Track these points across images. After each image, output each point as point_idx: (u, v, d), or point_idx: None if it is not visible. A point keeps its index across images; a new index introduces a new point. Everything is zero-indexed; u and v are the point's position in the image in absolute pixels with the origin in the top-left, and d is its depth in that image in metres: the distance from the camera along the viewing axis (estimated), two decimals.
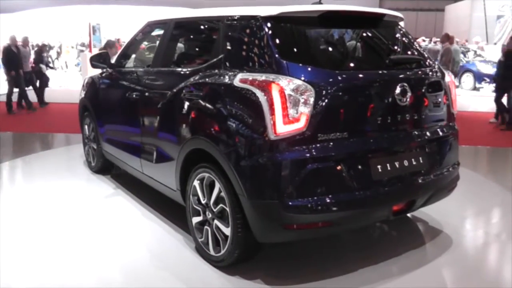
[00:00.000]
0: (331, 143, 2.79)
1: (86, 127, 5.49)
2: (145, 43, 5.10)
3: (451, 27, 28.86)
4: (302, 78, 2.74)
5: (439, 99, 3.38)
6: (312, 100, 2.71)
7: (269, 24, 2.98)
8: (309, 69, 2.83)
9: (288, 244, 3.48)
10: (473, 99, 13.28)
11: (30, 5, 30.30)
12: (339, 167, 2.80)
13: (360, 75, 3.01)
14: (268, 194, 2.77)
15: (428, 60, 3.46)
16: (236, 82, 2.94)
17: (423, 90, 3.24)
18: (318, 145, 2.74)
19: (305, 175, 2.72)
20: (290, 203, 2.72)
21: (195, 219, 3.36)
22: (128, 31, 21.36)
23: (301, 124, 2.69)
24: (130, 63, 4.71)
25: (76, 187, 5.01)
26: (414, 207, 3.22)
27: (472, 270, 3.28)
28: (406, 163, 3.09)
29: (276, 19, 3.00)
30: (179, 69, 3.76)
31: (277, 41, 2.93)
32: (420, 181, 3.15)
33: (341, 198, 2.80)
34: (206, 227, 3.27)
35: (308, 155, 2.71)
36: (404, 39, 3.52)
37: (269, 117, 2.68)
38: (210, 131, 3.09)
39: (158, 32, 4.36)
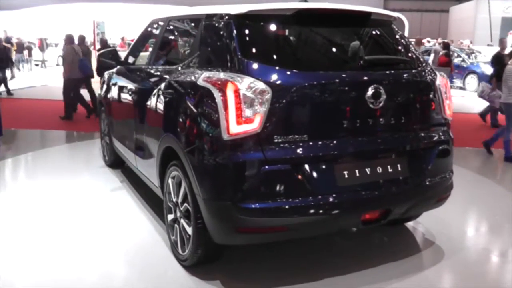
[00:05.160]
0: (289, 146, 2.67)
1: (102, 122, 5.69)
2: (150, 41, 5.15)
3: (455, 28, 28.83)
4: (260, 78, 2.66)
5: (425, 103, 3.18)
6: (268, 100, 2.62)
7: (237, 23, 2.92)
8: (270, 69, 2.73)
9: (261, 246, 3.41)
10: (478, 100, 13.21)
11: (33, 3, 30.36)
12: (296, 171, 2.68)
13: (325, 76, 2.82)
14: (221, 195, 2.71)
15: (416, 61, 3.25)
16: (200, 81, 2.90)
17: (403, 93, 3.06)
18: (273, 147, 2.64)
19: (258, 177, 2.63)
20: (243, 206, 2.64)
21: (169, 217, 3.38)
22: (132, 29, 21.42)
23: (255, 125, 2.61)
24: (134, 61, 4.78)
25: (86, 179, 5.19)
26: (390, 216, 3.01)
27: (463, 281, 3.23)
28: (379, 169, 2.91)
29: (245, 17, 2.93)
30: (165, 67, 3.82)
31: (243, 39, 2.87)
32: (396, 189, 2.96)
33: (298, 203, 2.68)
34: (176, 225, 3.27)
35: (262, 157, 2.62)
36: (392, 39, 3.35)
37: (224, 116, 2.62)
38: (176, 129, 3.11)
39: (158, 30, 4.41)
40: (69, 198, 4.57)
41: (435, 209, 3.40)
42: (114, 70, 5.13)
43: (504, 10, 25.94)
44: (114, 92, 4.96)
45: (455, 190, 3.44)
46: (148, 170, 3.88)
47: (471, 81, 15.86)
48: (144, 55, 4.85)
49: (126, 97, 4.48)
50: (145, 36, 4.79)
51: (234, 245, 3.25)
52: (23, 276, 3.11)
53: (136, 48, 4.85)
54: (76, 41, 9.69)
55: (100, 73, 9.09)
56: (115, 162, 5.44)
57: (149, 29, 4.64)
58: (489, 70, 15.39)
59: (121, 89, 4.70)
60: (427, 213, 3.64)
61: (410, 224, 3.95)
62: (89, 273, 3.15)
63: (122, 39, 21.91)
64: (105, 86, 5.39)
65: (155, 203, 4.26)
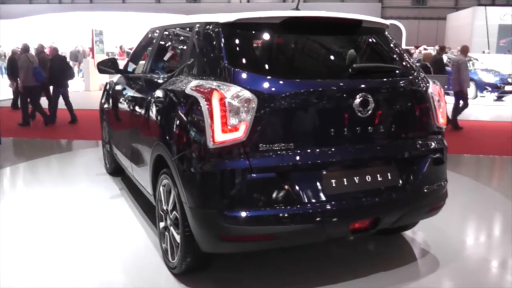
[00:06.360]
0: (274, 154, 2.66)
1: (103, 130, 5.73)
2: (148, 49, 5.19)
3: (452, 35, 28.95)
4: (247, 87, 2.66)
5: (416, 112, 3.13)
6: (253, 109, 2.61)
7: (225, 31, 2.93)
8: (257, 77, 2.73)
9: (254, 253, 3.40)
10: (475, 108, 13.26)
11: (33, 11, 30.45)
12: (282, 179, 2.67)
13: (312, 84, 2.80)
14: (207, 203, 2.71)
15: (409, 69, 3.21)
16: (188, 89, 2.91)
17: (393, 101, 3.02)
18: (259, 155, 2.64)
19: (244, 186, 2.62)
20: (228, 214, 2.63)
21: (161, 225, 3.38)
22: (131, 38, 21.47)
23: (240, 133, 2.60)
24: (133, 69, 4.81)
25: (86, 187, 5.21)
26: (380, 226, 2.97)
27: None
28: (369, 178, 2.88)
29: (233, 26, 2.94)
30: (158, 75, 3.85)
31: (231, 48, 2.88)
32: (385, 198, 2.92)
33: (284, 211, 2.65)
34: (166, 233, 3.28)
35: (247, 165, 2.61)
36: (385, 47, 3.31)
37: (209, 125, 2.62)
38: (165, 137, 3.12)
39: (154, 38, 4.45)
40: (68, 206, 4.57)
41: (432, 217, 3.37)
42: (114, 78, 5.17)
43: (501, 17, 26.08)
44: (112, 101, 5.00)
45: (453, 197, 3.43)
46: (142, 177, 3.90)
47: (469, 88, 15.86)
48: (143, 63, 4.89)
49: (122, 105, 4.52)
50: (143, 45, 4.82)
51: (225, 253, 3.25)
52: (21, 283, 3.10)
53: (135, 57, 4.88)
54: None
55: (52, 82, 9.44)
56: (116, 170, 5.45)
57: (147, 37, 4.68)
58: (486, 77, 15.49)
59: (118, 97, 4.74)
60: (425, 221, 3.62)
61: (406, 233, 3.92)
62: (86, 281, 3.14)
63: (121, 47, 21.97)
64: (105, 94, 5.43)
65: (151, 211, 4.26)
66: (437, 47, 12.82)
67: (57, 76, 9.45)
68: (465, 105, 9.44)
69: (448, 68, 10.97)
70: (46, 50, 13.03)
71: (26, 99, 9.39)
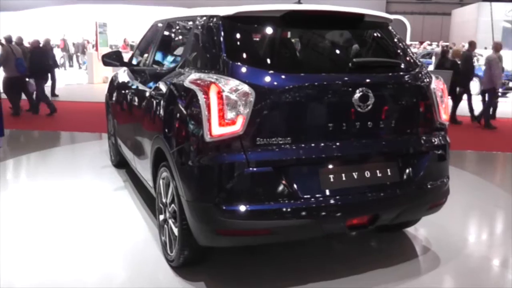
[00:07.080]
0: (272, 148, 2.65)
1: (108, 122, 5.77)
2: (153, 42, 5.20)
3: (457, 31, 28.82)
4: (245, 80, 2.65)
5: (418, 107, 3.09)
6: (251, 102, 2.60)
7: (225, 24, 2.92)
8: (255, 71, 2.72)
9: (254, 248, 3.42)
10: (479, 104, 13.19)
11: (36, 4, 30.43)
12: (279, 174, 2.66)
13: (311, 78, 2.77)
14: (203, 196, 2.71)
15: (411, 64, 3.17)
16: (187, 82, 2.91)
17: (393, 96, 2.99)
18: (256, 149, 2.63)
19: (241, 180, 2.62)
20: (225, 208, 2.63)
21: (160, 217, 3.40)
22: (134, 30, 21.48)
23: (237, 127, 2.59)
24: (138, 62, 4.80)
25: (91, 179, 5.26)
26: (378, 222, 2.95)
27: None
28: (367, 174, 2.86)
29: (233, 19, 2.93)
30: (159, 68, 3.88)
31: (230, 41, 2.87)
32: (384, 194, 2.89)
33: (280, 206, 2.65)
34: (165, 225, 3.28)
35: (244, 159, 2.60)
36: (387, 42, 3.29)
37: (206, 118, 2.61)
38: (164, 130, 3.13)
39: (158, 31, 4.46)
40: (71, 197, 4.59)
41: (434, 214, 3.35)
42: (120, 71, 5.20)
43: (506, 13, 25.95)
44: (116, 93, 5.03)
45: (455, 194, 3.41)
46: (144, 170, 3.91)
47: (474, 84, 15.79)
48: (143, 56, 4.90)
49: (126, 98, 4.54)
50: (148, 38, 4.81)
51: (225, 247, 3.26)
52: (22, 276, 3.11)
53: (140, 49, 4.89)
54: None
55: (33, 74, 9.48)
56: (121, 162, 5.47)
57: (151, 30, 4.69)
58: None
59: (122, 90, 4.76)
60: (426, 218, 3.61)
61: (408, 230, 3.91)
62: (88, 274, 3.15)
63: (124, 40, 21.99)
64: (109, 86, 5.46)
65: (153, 204, 4.25)
66: (449, 43, 12.62)
67: (37, 68, 9.52)
68: (490, 103, 9.46)
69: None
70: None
71: (11, 89, 9.42)
